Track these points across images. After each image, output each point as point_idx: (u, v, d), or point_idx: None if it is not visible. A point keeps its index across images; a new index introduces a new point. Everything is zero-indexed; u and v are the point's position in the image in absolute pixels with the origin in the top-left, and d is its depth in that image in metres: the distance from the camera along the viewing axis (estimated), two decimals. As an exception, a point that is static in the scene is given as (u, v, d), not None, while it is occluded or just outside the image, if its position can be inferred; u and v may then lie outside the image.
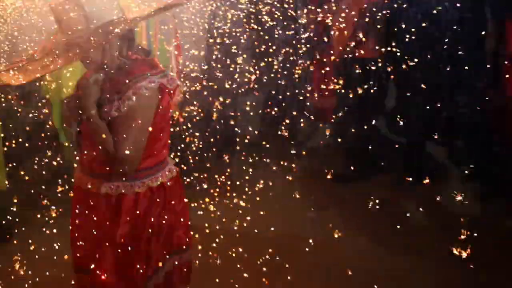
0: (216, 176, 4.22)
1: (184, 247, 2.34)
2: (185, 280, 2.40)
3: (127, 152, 1.99)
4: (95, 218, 2.15)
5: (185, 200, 2.38)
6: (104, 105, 2.03)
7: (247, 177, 4.25)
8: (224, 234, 3.39)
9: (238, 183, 4.21)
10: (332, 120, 5.06)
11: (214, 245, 3.16)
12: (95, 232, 2.16)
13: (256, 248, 3.28)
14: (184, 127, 4.04)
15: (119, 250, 2.12)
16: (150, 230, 2.16)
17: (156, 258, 2.21)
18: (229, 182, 4.19)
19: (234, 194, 3.98)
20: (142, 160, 2.08)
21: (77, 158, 2.27)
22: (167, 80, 2.08)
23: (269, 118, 5.32)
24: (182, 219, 2.32)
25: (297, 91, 5.15)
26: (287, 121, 5.24)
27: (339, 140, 4.94)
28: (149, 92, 2.02)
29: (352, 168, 4.38)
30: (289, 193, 3.91)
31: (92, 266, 2.15)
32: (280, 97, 4.95)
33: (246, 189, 4.03)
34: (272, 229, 3.51)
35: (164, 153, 2.22)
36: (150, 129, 2.05)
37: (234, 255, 3.18)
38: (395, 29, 4.01)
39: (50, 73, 2.30)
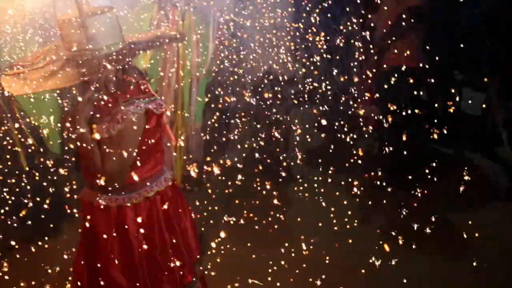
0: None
1: (198, 257, 2.50)
2: None
3: (112, 169, 2.12)
4: (99, 232, 2.25)
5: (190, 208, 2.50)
6: (95, 124, 2.12)
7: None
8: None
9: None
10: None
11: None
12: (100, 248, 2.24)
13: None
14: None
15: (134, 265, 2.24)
16: (167, 236, 2.31)
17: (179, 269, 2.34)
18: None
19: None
20: (138, 174, 2.20)
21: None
22: (153, 106, 2.18)
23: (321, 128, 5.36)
24: (192, 229, 2.47)
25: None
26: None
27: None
28: (135, 117, 2.11)
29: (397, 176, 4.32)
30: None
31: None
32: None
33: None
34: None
35: (159, 167, 2.33)
36: (136, 150, 2.15)
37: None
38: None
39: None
